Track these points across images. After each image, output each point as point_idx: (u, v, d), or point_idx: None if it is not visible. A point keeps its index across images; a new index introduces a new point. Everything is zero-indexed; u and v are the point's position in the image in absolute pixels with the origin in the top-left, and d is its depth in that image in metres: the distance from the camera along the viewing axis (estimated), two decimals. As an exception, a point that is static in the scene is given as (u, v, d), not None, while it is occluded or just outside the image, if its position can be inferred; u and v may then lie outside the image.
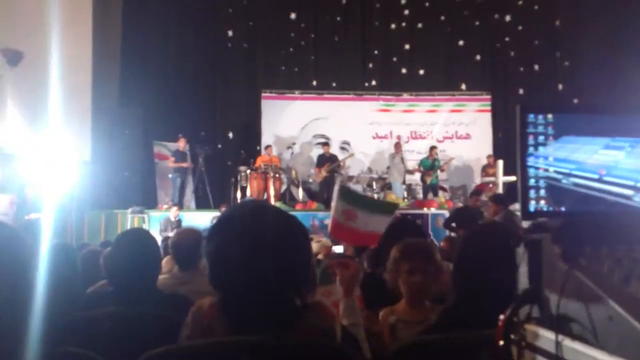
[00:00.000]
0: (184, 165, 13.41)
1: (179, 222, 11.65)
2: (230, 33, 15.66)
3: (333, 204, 6.21)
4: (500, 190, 12.84)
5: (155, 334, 2.09)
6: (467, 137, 15.65)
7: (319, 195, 13.93)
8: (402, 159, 14.08)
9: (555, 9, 15.88)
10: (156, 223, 11.98)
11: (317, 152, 14.67)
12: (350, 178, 14.94)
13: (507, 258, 1.35)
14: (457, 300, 2.15)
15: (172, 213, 11.88)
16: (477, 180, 14.84)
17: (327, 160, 13.90)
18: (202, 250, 3.46)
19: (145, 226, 11.69)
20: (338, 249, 7.67)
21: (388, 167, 14.33)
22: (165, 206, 12.62)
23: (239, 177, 13.63)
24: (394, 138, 15.32)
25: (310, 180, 14.39)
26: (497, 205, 8.97)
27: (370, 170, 15.06)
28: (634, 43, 14.37)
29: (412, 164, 14.74)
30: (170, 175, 13.51)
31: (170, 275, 3.62)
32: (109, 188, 12.48)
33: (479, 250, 2.10)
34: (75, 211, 11.78)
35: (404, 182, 14.11)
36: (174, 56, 15.23)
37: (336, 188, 6.90)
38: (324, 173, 13.73)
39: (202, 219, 11.07)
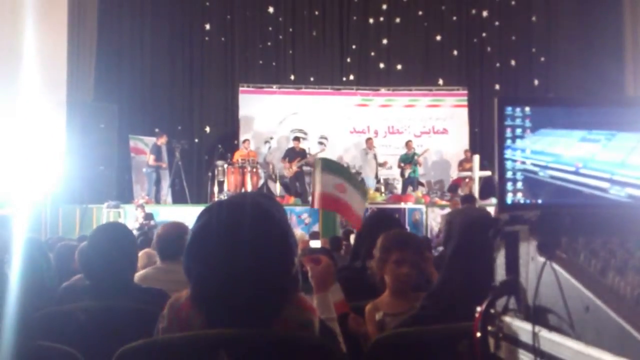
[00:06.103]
0: (162, 165, 13.33)
1: (149, 216, 11.51)
2: (207, 27, 15.55)
3: (317, 177, 6.22)
4: (476, 184, 12.92)
5: (131, 327, 2.07)
6: (444, 132, 15.72)
7: (294, 190, 13.92)
8: (375, 155, 14.14)
9: (532, 5, 16.03)
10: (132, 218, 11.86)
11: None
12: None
13: (487, 249, 1.35)
14: (437, 289, 2.16)
15: (139, 213, 11.60)
16: (454, 175, 14.93)
17: (297, 155, 13.90)
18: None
19: (121, 221, 11.56)
20: (314, 243, 7.67)
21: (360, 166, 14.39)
22: (142, 200, 12.47)
23: (216, 172, 13.56)
24: (372, 133, 15.36)
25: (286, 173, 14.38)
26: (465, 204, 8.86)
27: (347, 165, 15.05)
28: (608, 39, 14.56)
29: (387, 158, 14.81)
30: (144, 170, 13.40)
31: (153, 268, 3.65)
32: (84, 182, 12.29)
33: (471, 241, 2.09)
34: (50, 206, 11.63)
35: (376, 177, 14.17)
36: (151, 50, 15.08)
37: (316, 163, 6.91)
38: (294, 168, 13.72)
39: (179, 214, 10.98)
